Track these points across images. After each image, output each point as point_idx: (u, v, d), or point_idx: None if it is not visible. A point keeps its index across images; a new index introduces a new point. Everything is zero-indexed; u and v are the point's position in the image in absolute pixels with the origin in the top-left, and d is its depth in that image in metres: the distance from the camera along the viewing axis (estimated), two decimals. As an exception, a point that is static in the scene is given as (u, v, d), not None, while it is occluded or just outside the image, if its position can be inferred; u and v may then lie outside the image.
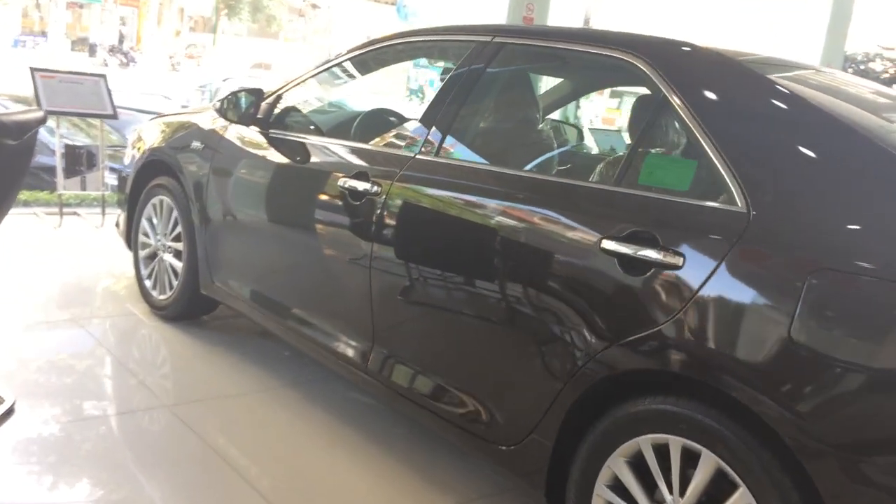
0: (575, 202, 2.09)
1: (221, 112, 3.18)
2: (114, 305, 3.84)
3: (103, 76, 5.41)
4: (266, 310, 3.09)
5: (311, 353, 2.90)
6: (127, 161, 4.09)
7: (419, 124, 2.59)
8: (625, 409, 1.87)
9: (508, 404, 2.18)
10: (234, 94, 3.17)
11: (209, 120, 3.48)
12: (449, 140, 2.52)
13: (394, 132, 2.85)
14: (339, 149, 2.89)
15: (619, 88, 8.19)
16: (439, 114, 2.54)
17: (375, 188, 2.53)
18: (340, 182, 2.65)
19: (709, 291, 1.73)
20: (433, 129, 2.53)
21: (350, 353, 2.68)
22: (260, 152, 3.13)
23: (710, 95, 1.97)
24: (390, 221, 2.50)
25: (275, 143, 3.10)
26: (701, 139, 1.89)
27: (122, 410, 2.79)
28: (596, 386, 1.94)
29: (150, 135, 3.87)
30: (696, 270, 1.76)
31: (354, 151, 2.80)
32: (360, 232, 2.59)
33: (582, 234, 1.99)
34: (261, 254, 3.11)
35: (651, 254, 1.83)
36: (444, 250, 2.36)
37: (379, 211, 2.51)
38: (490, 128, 2.72)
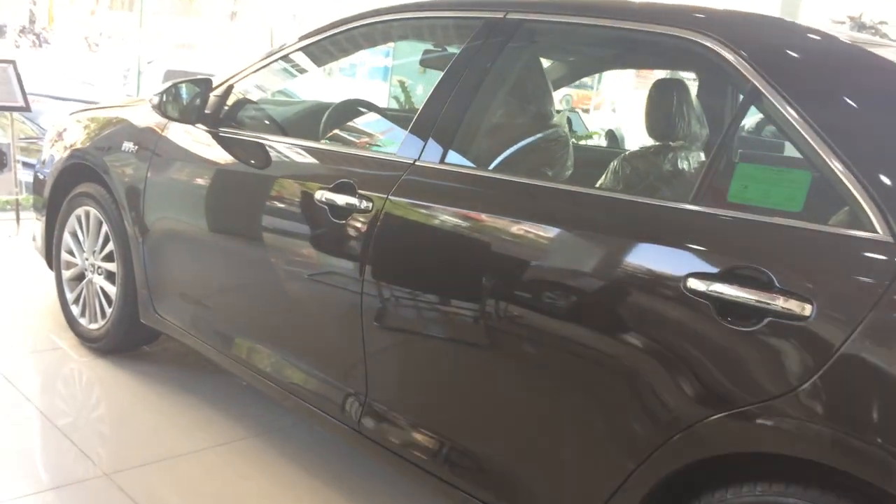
0: (640, 225, 1.63)
1: (160, 108, 2.61)
2: (34, 337, 3.24)
3: (12, 62, 4.71)
4: (223, 348, 2.55)
5: (284, 402, 2.38)
6: (45, 159, 3.44)
7: (417, 122, 2.08)
8: (720, 500, 1.44)
9: (557, 484, 1.72)
10: (176, 85, 2.60)
11: (144, 115, 2.90)
12: (457, 143, 2.02)
13: (381, 131, 2.35)
14: (310, 152, 2.36)
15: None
16: (442, 109, 2.04)
17: (365, 203, 2.02)
18: (318, 195, 2.14)
19: (854, 350, 1.29)
20: (435, 128, 2.02)
21: (336, 405, 2.18)
22: (209, 156, 2.58)
23: (823, 87, 1.53)
24: (387, 245, 2.00)
25: (227, 144, 2.55)
26: (814, 144, 1.45)
27: (47, 486, 2.23)
28: (681, 470, 1.49)
29: (71, 132, 3.25)
30: (833, 322, 1.32)
31: (330, 156, 2.28)
32: (347, 257, 2.09)
33: (657, 270, 1.53)
34: (215, 281, 2.56)
35: (761, 298, 1.38)
36: (461, 282, 1.88)
37: (372, 232, 2.01)
38: (508, 128, 2.24)
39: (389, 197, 1.99)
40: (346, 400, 2.16)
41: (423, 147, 2.03)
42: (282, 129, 2.64)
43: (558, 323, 1.68)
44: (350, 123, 2.60)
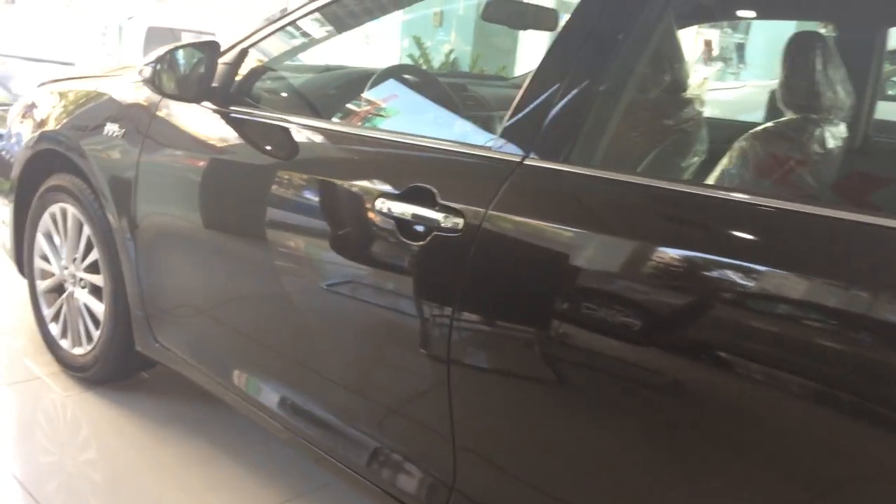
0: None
1: (154, 82, 1.99)
2: (5, 363, 2.65)
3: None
4: (247, 393, 1.97)
5: (340, 476, 1.80)
6: (11, 134, 2.79)
7: (523, 104, 1.48)
8: None
9: None
10: (172, 51, 1.98)
11: (131, 89, 2.27)
12: (586, 134, 1.42)
13: (452, 113, 1.74)
14: (359, 142, 1.76)
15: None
16: (560, 88, 1.43)
17: (451, 220, 1.43)
18: (379, 205, 1.54)
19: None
20: (554, 113, 1.42)
21: (409, 494, 1.61)
22: (219, 145, 1.97)
23: None
24: (488, 282, 1.41)
25: (242, 129, 1.94)
26: None
27: None
28: None
29: (41, 109, 2.62)
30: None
31: (390, 148, 1.67)
32: (427, 297, 1.50)
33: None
34: (235, 307, 1.97)
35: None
36: (606, 335, 1.28)
37: (463, 262, 1.42)
38: (649, 112, 1.63)
39: (489, 211, 1.40)
40: (422, 487, 1.60)
41: (535, 139, 1.42)
42: (314, 107, 2.03)
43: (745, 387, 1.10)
44: (402, 99, 1.98)
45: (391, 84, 2.10)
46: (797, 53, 1.93)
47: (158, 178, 2.08)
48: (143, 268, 2.18)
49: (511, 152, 1.44)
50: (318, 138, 1.81)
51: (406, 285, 1.53)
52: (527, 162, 1.42)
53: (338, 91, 2.12)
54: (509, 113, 1.49)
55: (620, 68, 1.44)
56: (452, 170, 1.54)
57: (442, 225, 1.44)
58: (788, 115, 1.94)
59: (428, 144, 1.61)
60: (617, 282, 1.25)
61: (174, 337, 2.17)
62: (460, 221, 1.43)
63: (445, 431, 1.49)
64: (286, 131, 1.86)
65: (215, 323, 2.03)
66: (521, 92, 1.48)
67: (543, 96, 1.44)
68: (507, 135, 1.47)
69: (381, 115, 2.02)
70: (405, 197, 1.52)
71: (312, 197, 1.72)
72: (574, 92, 1.41)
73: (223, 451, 2.22)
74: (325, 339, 1.75)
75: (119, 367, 2.44)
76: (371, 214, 1.57)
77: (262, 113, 1.94)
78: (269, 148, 1.89)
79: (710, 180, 1.80)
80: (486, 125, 2.49)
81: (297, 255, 1.76)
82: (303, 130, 1.83)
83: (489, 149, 1.49)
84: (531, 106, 1.46)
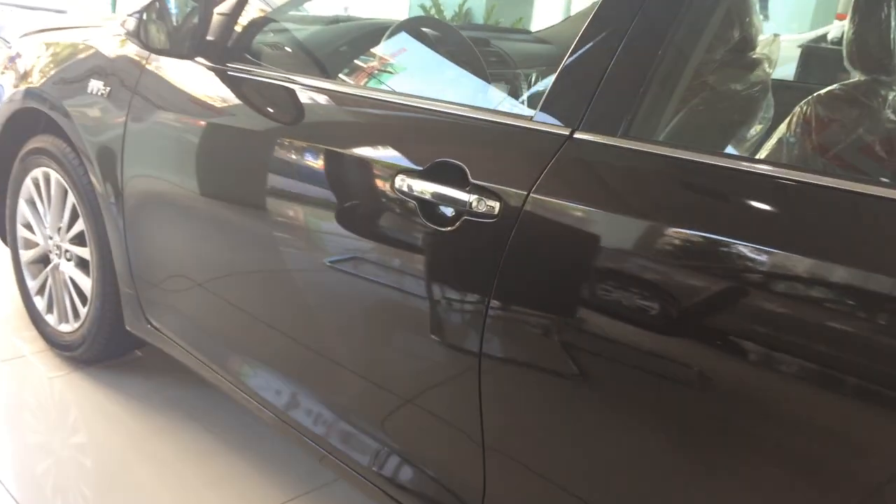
0: None
1: (139, 35, 1.76)
2: (-12, 339, 2.46)
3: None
4: (251, 387, 1.77)
5: (347, 478, 1.61)
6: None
7: (570, 68, 1.25)
8: None
9: None
10: (159, 0, 1.73)
11: (116, 41, 2.03)
12: (648, 104, 1.19)
13: (481, 75, 1.51)
14: (375, 106, 1.53)
15: None
16: (615, 51, 1.19)
17: (486, 203, 1.22)
18: (399, 183, 1.32)
19: None
20: (606, 78, 1.19)
21: (432, 493, 1.42)
22: (216, 106, 1.74)
23: None
24: (528, 279, 1.20)
25: (242, 89, 1.71)
26: None
27: None
28: None
29: (23, 60, 2.39)
30: None
31: (412, 115, 1.44)
32: (455, 290, 1.29)
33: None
34: (237, 286, 1.76)
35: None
36: (673, 340, 1.07)
37: (498, 254, 1.20)
38: (718, 76, 1.40)
39: (531, 194, 1.18)
40: (446, 495, 1.40)
41: (586, 109, 1.19)
42: (321, 66, 1.80)
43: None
44: (424, 58, 1.75)
45: (402, 38, 1.85)
46: (869, 4, 1.69)
47: (148, 142, 1.86)
48: (132, 240, 1.97)
49: (557, 124, 1.22)
50: (327, 101, 1.58)
51: (430, 274, 1.32)
52: (577, 136, 1.19)
53: (349, 47, 1.87)
54: (555, 78, 1.25)
55: (690, 23, 1.20)
56: (485, 143, 1.31)
57: (474, 209, 1.23)
58: (857, 77, 1.70)
59: (455, 112, 1.38)
60: (686, 278, 1.03)
61: (166, 317, 1.97)
62: (496, 205, 1.21)
63: (476, 451, 1.29)
64: (290, 93, 1.63)
65: (210, 301, 1.82)
66: (568, 53, 1.25)
67: (596, 57, 1.21)
68: (552, 103, 1.24)
69: (388, 72, 1.78)
70: (429, 174, 1.30)
71: (319, 168, 1.50)
72: (634, 52, 1.18)
73: (222, 442, 2.04)
74: (333, 325, 1.54)
75: (109, 346, 2.25)
76: (388, 192, 1.35)
77: (263, 71, 1.70)
78: (271, 111, 1.66)
79: (769, 151, 1.57)
80: (515, 86, 2.25)
81: (301, 231, 1.55)
82: (309, 92, 1.60)
83: (529, 119, 1.26)
84: (581, 69, 1.23)
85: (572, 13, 5.03)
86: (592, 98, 1.19)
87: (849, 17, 1.74)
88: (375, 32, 1.87)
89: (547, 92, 1.25)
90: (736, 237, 0.99)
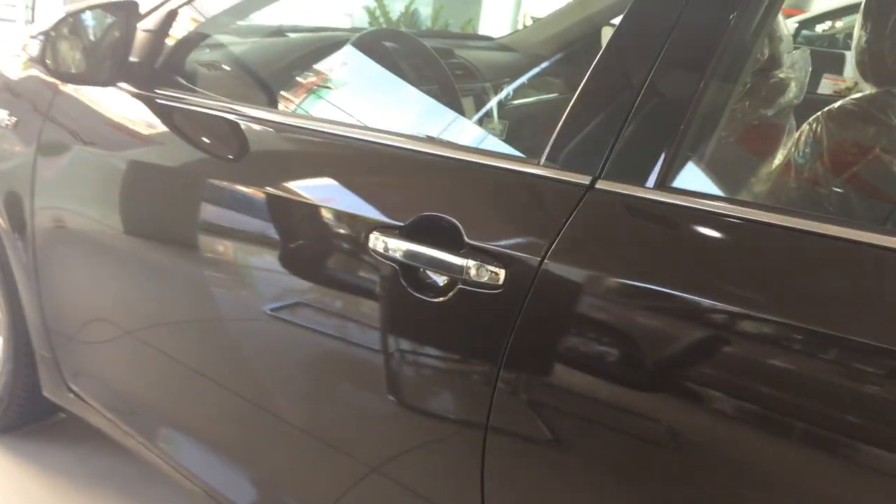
0: None
1: (44, 61, 1.46)
2: None
3: None
4: (187, 457, 1.50)
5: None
6: None
7: (586, 98, 1.01)
8: None
9: None
10: (69, 17, 1.44)
11: (18, 61, 1.73)
12: (687, 140, 0.96)
13: (465, 104, 1.28)
14: (337, 145, 1.27)
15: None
16: (645, 79, 0.96)
17: (487, 271, 0.98)
18: (373, 242, 1.07)
19: None
20: (635, 113, 0.96)
21: None
22: (145, 139, 1.46)
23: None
24: (548, 362, 0.96)
25: (174, 119, 1.43)
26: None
27: None
28: None
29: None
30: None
31: (384, 155, 1.18)
32: (448, 372, 1.05)
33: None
34: (167, 341, 1.47)
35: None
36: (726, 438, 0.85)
37: (503, 334, 0.97)
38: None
39: (546, 260, 0.94)
40: None
41: (610, 152, 0.96)
42: (270, 90, 1.53)
43: None
44: (391, 83, 1.49)
45: (360, 56, 1.59)
46: (882, 9, 1.50)
47: (62, 175, 1.57)
48: (45, 293, 1.68)
49: (574, 170, 0.98)
50: (275, 136, 1.31)
51: (417, 354, 1.07)
52: (599, 185, 0.96)
53: (298, 67, 1.60)
54: (568, 111, 1.01)
55: (735, 45, 0.97)
56: (482, 193, 1.07)
57: (473, 277, 0.98)
58: (868, 89, 1.52)
59: (439, 152, 1.13)
60: (752, 367, 0.81)
61: (85, 379, 1.68)
62: (501, 273, 0.97)
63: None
64: (232, 125, 1.36)
65: (134, 359, 1.55)
66: (585, 79, 1.01)
67: (621, 87, 0.98)
68: (564, 144, 1.01)
69: (348, 99, 1.51)
70: (412, 232, 1.05)
71: (269, 218, 1.24)
72: (670, 83, 0.95)
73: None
74: (285, 393, 1.29)
75: (26, 412, 1.94)
76: (361, 253, 1.09)
77: (197, 99, 1.43)
78: (209, 147, 1.39)
79: (776, 174, 1.37)
80: (484, 101, 2.01)
81: (248, 302, 1.28)
82: (253, 125, 1.33)
83: (535, 163, 1.02)
84: (602, 102, 0.99)
85: (522, 11, 4.81)
86: (617, 139, 0.96)
87: (859, 24, 1.55)
88: (328, 48, 1.61)
89: (558, 129, 1.01)
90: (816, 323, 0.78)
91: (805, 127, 1.43)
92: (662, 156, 0.93)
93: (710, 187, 1.01)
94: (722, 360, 0.84)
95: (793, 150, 1.43)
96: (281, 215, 1.21)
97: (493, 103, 1.81)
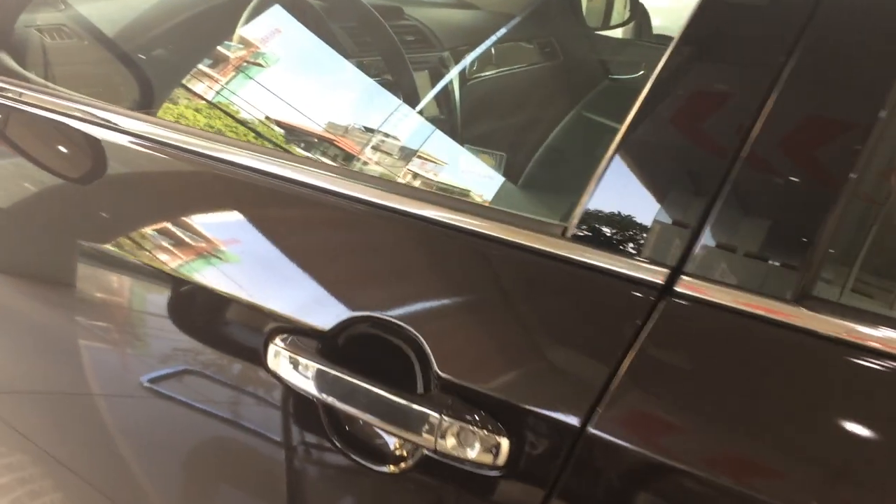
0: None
1: None
2: None
3: None
4: None
5: None
6: None
7: (647, 128, 0.56)
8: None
9: None
10: None
11: None
12: (828, 223, 0.51)
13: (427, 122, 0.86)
14: (217, 171, 0.78)
15: None
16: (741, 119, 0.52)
17: (474, 435, 0.54)
18: (272, 359, 0.61)
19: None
20: (743, 167, 0.52)
21: None
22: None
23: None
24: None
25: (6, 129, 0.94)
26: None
27: None
28: None
29: None
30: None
31: (291, 190, 0.71)
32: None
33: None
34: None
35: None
36: None
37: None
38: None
39: (590, 430, 0.49)
40: None
41: (701, 228, 0.51)
42: (139, 71, 1.03)
43: None
44: (317, 55, 1.01)
45: (274, 12, 1.09)
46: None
47: None
48: None
49: (638, 258, 0.53)
50: (149, 158, 0.83)
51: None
52: (681, 287, 0.51)
53: (176, 40, 1.08)
54: (616, 146, 0.56)
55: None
56: (468, 285, 0.61)
57: (447, 444, 0.54)
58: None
59: (381, 201, 0.66)
60: None
61: None
62: (502, 444, 0.54)
63: None
64: (95, 143, 0.86)
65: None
66: (640, 100, 0.56)
67: (711, 139, 0.53)
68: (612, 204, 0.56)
69: (258, 65, 1.02)
70: (338, 344, 0.59)
71: (123, 293, 0.77)
72: (798, 134, 0.51)
73: None
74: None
75: None
76: (251, 371, 0.64)
77: (28, 91, 0.93)
78: (44, 162, 0.90)
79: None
80: (441, 77, 1.52)
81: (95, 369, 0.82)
82: (118, 139, 0.83)
83: (561, 232, 0.57)
84: (680, 141, 0.54)
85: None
86: (714, 202, 0.51)
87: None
88: (224, 6, 1.11)
89: (602, 175, 0.56)
90: None
91: None
92: (790, 242, 0.49)
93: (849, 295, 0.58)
94: None
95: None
96: (128, 278, 0.75)
97: (443, 70, 1.33)
